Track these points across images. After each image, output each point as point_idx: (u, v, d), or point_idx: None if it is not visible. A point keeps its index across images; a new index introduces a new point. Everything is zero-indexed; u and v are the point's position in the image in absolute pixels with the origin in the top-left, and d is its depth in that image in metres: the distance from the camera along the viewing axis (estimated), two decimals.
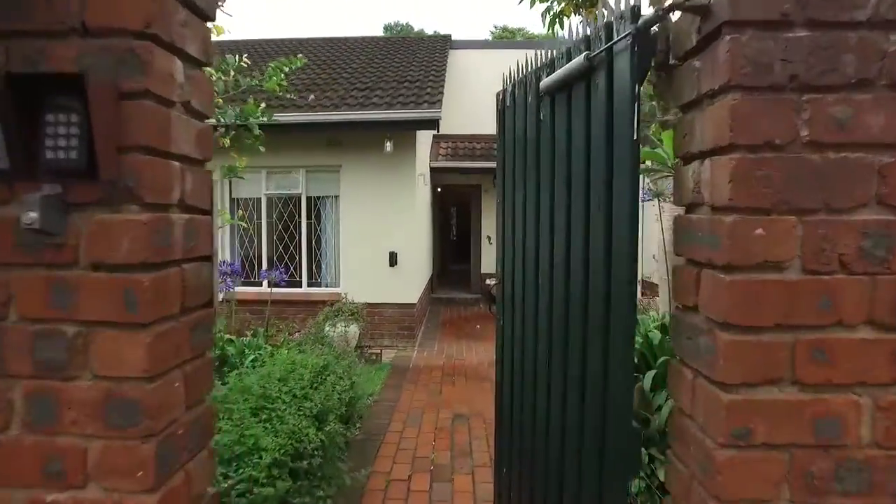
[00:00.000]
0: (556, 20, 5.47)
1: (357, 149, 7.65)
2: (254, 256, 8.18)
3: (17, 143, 0.96)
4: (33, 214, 0.93)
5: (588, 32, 1.47)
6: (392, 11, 62.63)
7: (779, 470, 0.96)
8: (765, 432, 0.96)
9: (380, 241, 7.67)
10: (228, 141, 3.32)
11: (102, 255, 0.99)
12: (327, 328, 6.50)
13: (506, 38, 26.04)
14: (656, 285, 5.60)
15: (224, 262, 5.05)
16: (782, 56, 0.95)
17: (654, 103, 3.52)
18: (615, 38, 1.28)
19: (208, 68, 3.29)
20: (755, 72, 0.96)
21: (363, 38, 12.02)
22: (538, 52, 1.80)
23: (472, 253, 12.75)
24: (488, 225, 12.17)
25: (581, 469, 1.56)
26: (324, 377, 3.39)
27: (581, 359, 1.54)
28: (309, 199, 7.97)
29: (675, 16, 1.17)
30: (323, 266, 8.10)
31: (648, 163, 2.83)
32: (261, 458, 2.18)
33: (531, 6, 5.74)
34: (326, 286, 8.00)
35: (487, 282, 10.61)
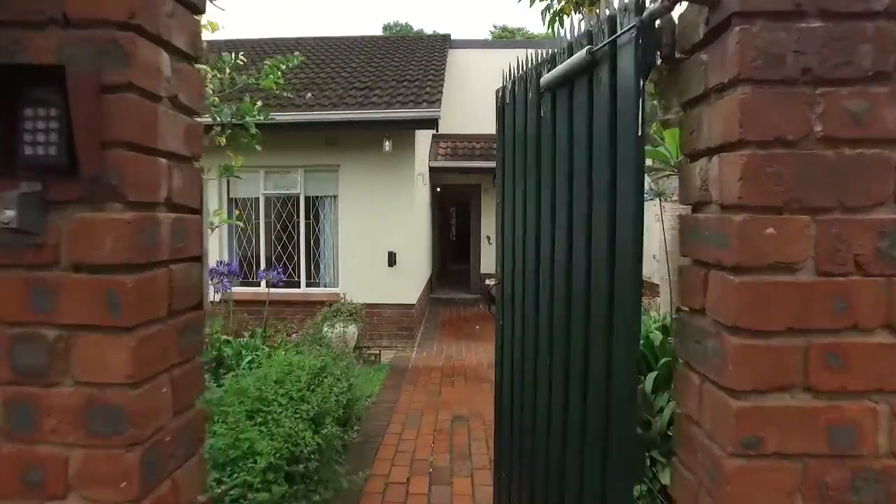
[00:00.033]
0: (556, 19, 5.43)
1: (356, 148, 7.62)
2: (252, 256, 8.14)
3: None
4: (10, 213, 0.89)
5: (590, 27, 1.43)
6: (391, 11, 62.58)
7: (791, 480, 0.92)
8: (776, 441, 0.91)
9: (379, 241, 7.63)
10: (224, 140, 3.28)
11: (84, 255, 0.95)
12: (326, 329, 6.45)
13: (505, 38, 26.00)
14: (657, 285, 5.56)
15: (221, 262, 5.01)
16: (795, 48, 0.91)
17: (654, 103, 3.48)
18: (619, 32, 1.24)
19: (203, 66, 3.25)
20: (766, 64, 0.92)
21: (362, 38, 11.98)
22: (539, 52, 1.76)
23: (471, 253, 12.71)
24: (488, 225, 12.13)
25: (583, 474, 1.52)
26: (321, 379, 3.35)
27: (583, 361, 1.50)
28: (307, 198, 7.93)
29: (682, 7, 1.12)
30: (321, 266, 8.06)
31: (650, 161, 2.79)
32: (255, 462, 2.14)
33: (531, 5, 5.70)
34: (325, 286, 7.96)
35: (487, 282, 10.57)
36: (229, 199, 8.04)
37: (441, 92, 7.83)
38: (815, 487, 0.92)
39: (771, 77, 0.92)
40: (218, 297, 5.74)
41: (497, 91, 2.16)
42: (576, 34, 1.50)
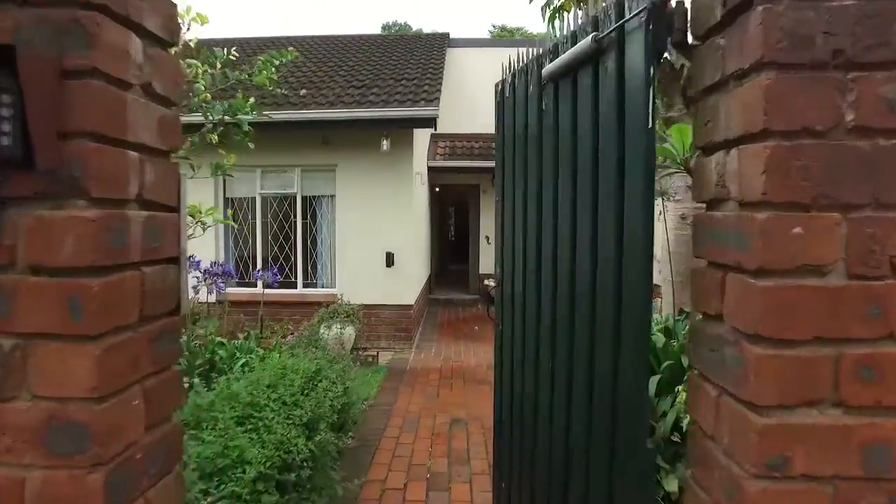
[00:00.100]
0: (556, 15, 5.35)
1: (353, 147, 7.53)
2: (249, 257, 8.04)
3: None
4: None
5: (595, 12, 1.34)
6: (390, 11, 62.51)
7: None
8: (804, 462, 0.83)
9: (376, 241, 7.55)
10: (216, 137, 3.19)
11: (43, 256, 0.87)
12: (323, 330, 6.37)
13: (504, 38, 25.90)
14: (658, 286, 5.48)
15: (215, 262, 4.93)
16: (825, 28, 0.83)
17: (657, 100, 3.40)
18: (627, 16, 1.16)
19: (193, 61, 3.16)
20: (792, 46, 0.83)
21: (360, 36, 11.90)
22: (540, 48, 1.68)
23: (470, 253, 12.63)
24: (487, 225, 12.04)
25: (588, 490, 1.44)
26: (315, 383, 3.26)
27: (587, 370, 1.41)
28: (304, 198, 7.84)
29: None
30: (319, 266, 7.97)
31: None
32: (244, 471, 2.05)
33: (530, 1, 5.62)
34: (322, 287, 7.87)
35: (486, 282, 10.48)
36: (225, 199, 7.94)
37: (439, 90, 7.75)
38: None
39: (798, 61, 0.83)
40: (213, 298, 5.66)
41: (496, 84, 2.08)
42: (579, 21, 1.41)
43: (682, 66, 3.95)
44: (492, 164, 9.11)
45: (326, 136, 7.51)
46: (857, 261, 0.83)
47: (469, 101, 11.61)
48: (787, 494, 0.84)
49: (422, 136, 9.40)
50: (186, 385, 3.50)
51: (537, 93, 1.68)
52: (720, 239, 0.98)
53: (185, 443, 2.24)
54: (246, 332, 5.33)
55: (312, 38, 11.57)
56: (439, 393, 5.67)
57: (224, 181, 7.66)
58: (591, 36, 1.25)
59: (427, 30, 28.69)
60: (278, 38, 11.31)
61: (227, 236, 8.01)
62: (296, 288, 7.82)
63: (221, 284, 4.69)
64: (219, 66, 3.07)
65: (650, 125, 1.10)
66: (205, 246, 7.01)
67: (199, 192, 6.51)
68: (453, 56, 12.05)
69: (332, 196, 7.77)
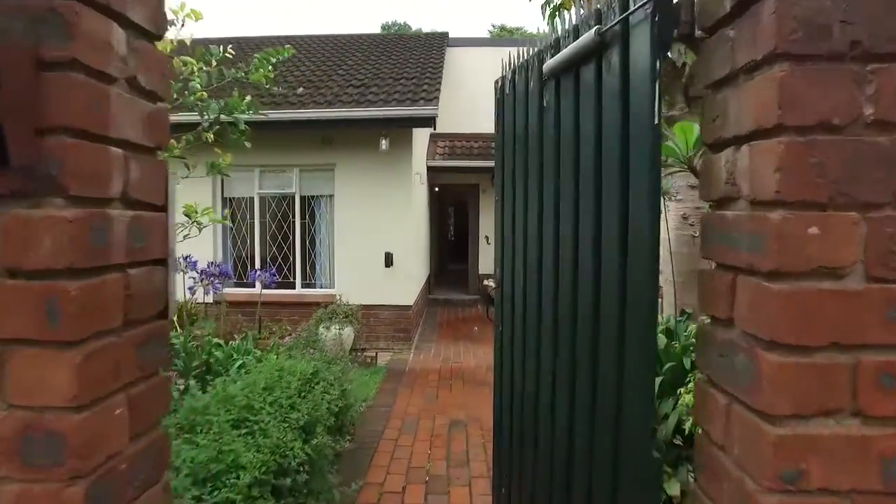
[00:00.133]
0: (556, 13, 5.31)
1: (352, 147, 7.49)
2: (247, 257, 8.00)
3: None
4: None
5: (598, 5, 1.30)
6: (390, 11, 62.46)
7: None
8: (820, 475, 0.79)
9: (375, 241, 7.51)
10: (212, 136, 3.14)
11: (18, 258, 0.82)
12: (321, 330, 6.32)
13: (504, 38, 25.86)
14: (660, 287, 5.44)
15: (212, 262, 4.88)
16: (842, 17, 0.79)
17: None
18: (632, 8, 1.11)
19: (189, 58, 3.11)
20: (808, 37, 0.79)
21: (359, 36, 11.85)
22: (541, 30, 1.63)
23: (469, 253, 12.59)
24: (486, 225, 11.99)
25: (591, 497, 1.39)
26: (313, 385, 3.22)
27: (590, 375, 1.37)
28: (303, 198, 7.80)
29: None
30: (317, 267, 7.93)
31: None
32: (239, 477, 2.01)
33: (529, 0, 5.58)
34: (321, 287, 7.83)
35: (485, 283, 10.44)
36: (223, 199, 7.90)
37: (439, 89, 7.71)
38: None
39: (813, 52, 0.79)
40: (211, 299, 5.62)
41: (496, 81, 2.04)
42: (581, 14, 1.37)
43: (684, 64, 3.91)
44: (491, 163, 9.07)
45: (325, 135, 7.47)
46: (876, 262, 0.79)
47: (468, 100, 11.57)
48: None
49: (421, 136, 9.36)
50: (182, 387, 3.46)
51: (538, 89, 1.63)
52: (730, 240, 0.94)
53: (179, 447, 2.20)
54: (243, 333, 5.29)
55: (311, 37, 11.53)
56: (438, 394, 5.63)
57: (222, 181, 7.62)
58: (594, 29, 1.21)
59: (426, 30, 28.65)
60: (276, 38, 11.26)
61: (225, 236, 7.97)
62: (294, 288, 7.79)
63: (218, 285, 4.64)
64: (214, 63, 3.02)
65: (656, 121, 1.06)
66: (203, 246, 6.97)
67: (197, 192, 6.45)
68: (453, 55, 12.01)
69: (331, 196, 7.73)
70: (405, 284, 7.70)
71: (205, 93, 3.13)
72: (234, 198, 7.94)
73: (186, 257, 4.51)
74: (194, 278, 4.53)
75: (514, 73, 1.86)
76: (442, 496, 3.40)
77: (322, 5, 73.17)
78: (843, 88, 0.79)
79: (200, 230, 3.38)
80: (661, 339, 3.19)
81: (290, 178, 7.76)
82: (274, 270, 6.04)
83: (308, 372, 3.31)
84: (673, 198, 4.06)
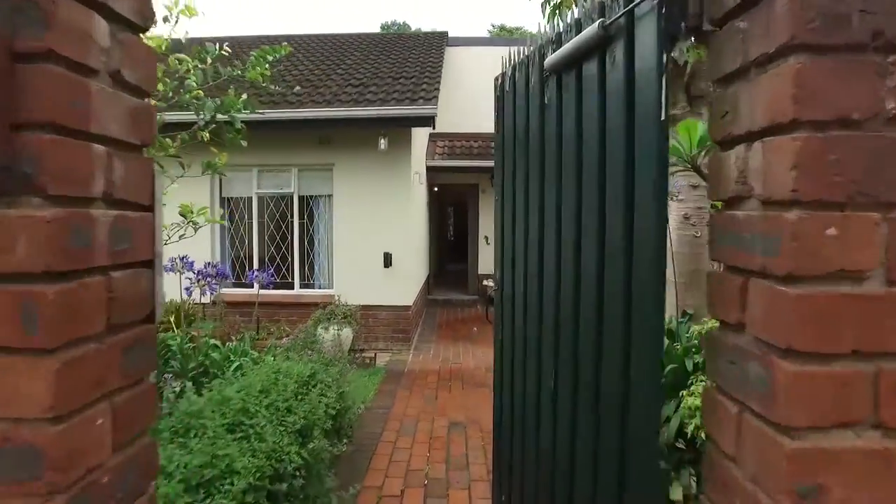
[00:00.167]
0: (556, 12, 5.27)
1: (351, 147, 7.44)
2: (245, 257, 7.96)
3: None
4: None
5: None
6: (389, 11, 62.42)
7: None
8: (839, 490, 0.75)
9: (374, 241, 7.46)
10: (207, 135, 3.10)
11: None
12: (320, 331, 6.28)
13: (504, 37, 25.81)
14: None
15: (209, 263, 4.83)
16: (862, 6, 0.75)
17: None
18: (637, 0, 1.07)
19: (183, 56, 3.07)
20: (826, 27, 0.75)
21: (358, 35, 11.81)
22: (541, 28, 1.59)
23: (469, 253, 12.55)
24: (486, 225, 11.95)
25: None
26: (310, 387, 3.18)
27: (593, 381, 1.33)
28: (301, 198, 7.75)
29: None
30: (316, 267, 7.88)
31: None
32: (233, 483, 1.97)
33: None
34: (319, 288, 7.78)
35: (485, 283, 10.39)
36: (221, 199, 7.86)
37: (438, 89, 7.67)
38: None
39: (832, 42, 0.75)
40: (209, 300, 5.57)
41: (496, 78, 1.99)
42: (585, 5, 1.33)
43: (686, 62, 3.86)
44: (491, 163, 9.02)
45: (324, 135, 7.42)
46: None
47: (468, 100, 11.52)
48: None
49: (420, 136, 9.31)
50: (178, 388, 3.41)
51: (539, 85, 1.59)
52: (741, 241, 0.89)
53: (172, 451, 2.15)
54: (241, 333, 5.24)
55: (309, 36, 11.48)
56: (437, 395, 5.58)
57: (220, 181, 7.58)
58: (597, 22, 1.17)
59: (426, 29, 28.58)
60: (274, 37, 11.20)
61: (223, 236, 7.92)
62: (293, 289, 7.74)
63: (215, 285, 4.60)
64: (209, 61, 2.97)
65: (663, 117, 1.01)
66: (201, 246, 6.92)
67: (195, 192, 6.40)
68: (452, 55, 11.96)
69: (330, 196, 7.68)
70: (404, 285, 7.66)
71: (201, 91, 3.09)
72: (232, 198, 7.89)
73: (183, 258, 4.47)
74: (191, 279, 4.48)
75: (514, 69, 1.82)
76: (441, 500, 3.36)
77: (321, 6, 73.12)
78: (864, 81, 0.75)
79: (196, 230, 3.34)
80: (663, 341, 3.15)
81: (288, 177, 7.72)
82: (272, 271, 6.00)
83: (305, 374, 3.27)
84: (674, 198, 4.02)
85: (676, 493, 2.46)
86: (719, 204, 1.00)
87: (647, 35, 1.07)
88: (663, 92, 1.03)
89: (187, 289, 4.47)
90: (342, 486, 3.23)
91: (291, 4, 76.65)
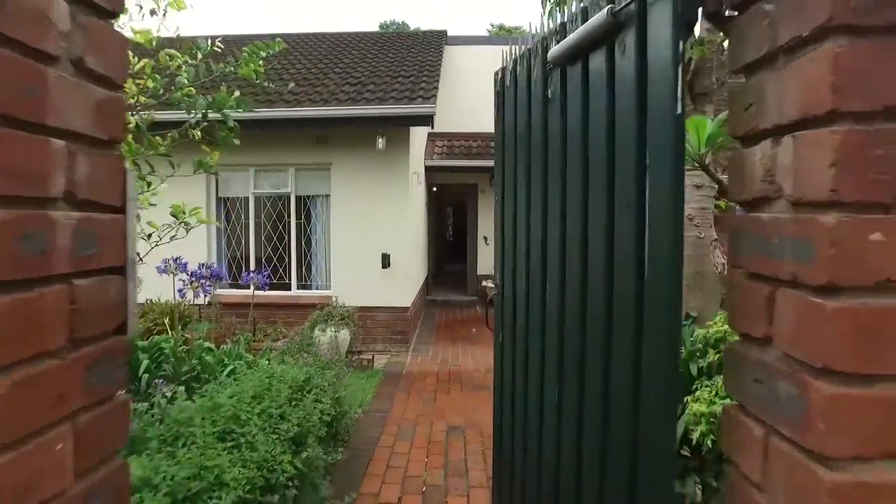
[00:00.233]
0: (557, 8, 5.19)
1: (348, 146, 7.36)
2: (242, 258, 7.87)
3: None
4: None
5: None
6: (388, 10, 62.32)
7: None
8: None
9: (372, 241, 7.37)
10: (199, 133, 3.01)
11: None
12: (317, 333, 6.19)
13: (503, 36, 25.72)
14: None
15: (203, 264, 4.75)
16: None
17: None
18: None
19: (174, 52, 2.97)
20: (869, 6, 0.67)
21: (356, 34, 11.72)
22: (544, 19, 1.50)
23: (468, 253, 12.46)
24: (485, 225, 11.87)
25: None
26: (305, 392, 3.09)
27: (602, 391, 1.24)
28: (298, 198, 7.67)
29: None
30: (313, 268, 7.79)
31: None
32: (220, 498, 1.88)
33: None
34: (317, 289, 7.69)
35: (484, 283, 10.31)
36: (218, 199, 7.77)
37: (437, 87, 7.58)
38: None
39: (876, 23, 0.67)
40: (206, 301, 5.48)
41: (496, 73, 1.91)
42: None
43: (689, 59, 3.78)
44: (490, 163, 8.90)
45: (321, 134, 7.33)
46: None
47: (467, 99, 11.44)
48: None
49: (419, 135, 9.23)
50: (170, 394, 3.33)
51: (542, 79, 1.51)
52: (768, 246, 0.81)
53: (159, 462, 2.06)
54: (236, 336, 5.15)
55: (306, 35, 11.39)
56: (436, 398, 5.50)
57: (216, 181, 7.49)
58: (606, 9, 1.09)
59: (425, 28, 28.50)
60: (271, 35, 11.12)
61: (219, 237, 7.84)
62: (290, 289, 7.65)
63: (209, 287, 4.51)
64: (200, 56, 2.88)
65: (679, 111, 0.93)
66: (196, 247, 6.84)
67: (191, 192, 6.33)
68: (451, 54, 11.88)
69: (327, 196, 7.59)
70: (403, 285, 7.57)
71: (192, 88, 3.00)
72: (228, 198, 7.81)
73: (177, 259, 4.38)
74: (184, 280, 4.39)
75: (515, 63, 1.74)
76: None
77: (320, 6, 73.01)
78: None
79: (188, 231, 3.25)
80: None
81: (285, 177, 7.63)
82: (268, 272, 5.91)
83: (300, 379, 3.18)
84: None
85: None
86: (723, 204, 0.93)
87: (660, 22, 0.98)
88: (679, 84, 0.95)
89: (180, 290, 4.38)
90: (338, 493, 3.15)
91: (290, 4, 76.54)
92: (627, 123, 1.09)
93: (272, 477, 2.23)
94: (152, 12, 2.70)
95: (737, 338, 0.93)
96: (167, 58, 2.94)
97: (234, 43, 5.21)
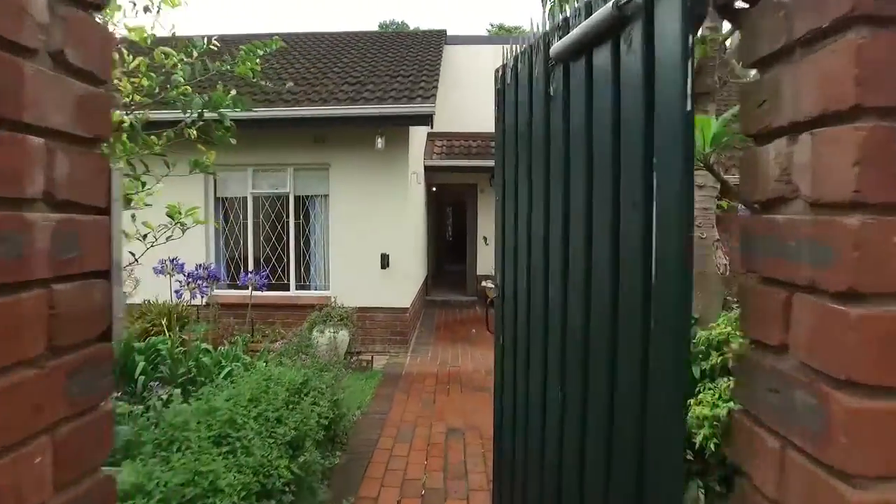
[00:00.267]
0: (558, 7, 5.15)
1: (347, 146, 7.31)
2: (240, 258, 7.82)
3: None
4: None
5: None
6: (388, 10, 62.30)
7: None
8: None
9: (371, 242, 7.33)
10: (195, 132, 2.97)
11: None
12: (315, 334, 6.15)
13: (503, 36, 25.69)
14: None
15: (200, 265, 4.71)
16: None
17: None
18: None
19: (169, 50, 2.93)
20: None
21: (355, 33, 11.67)
22: (545, 15, 1.46)
23: (468, 254, 12.43)
24: (485, 225, 11.83)
25: None
26: (303, 395, 3.05)
27: (607, 393, 1.20)
28: (297, 198, 7.62)
29: None
30: (312, 268, 7.75)
31: None
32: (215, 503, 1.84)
33: None
34: (315, 289, 7.65)
35: (483, 284, 10.26)
36: (216, 199, 7.73)
37: (436, 87, 7.53)
38: None
39: None
40: (203, 301, 5.44)
41: (496, 70, 1.87)
42: None
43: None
44: (490, 163, 8.87)
45: (320, 134, 7.29)
46: None
47: (467, 99, 11.40)
48: None
49: (418, 135, 9.19)
50: (165, 396, 3.28)
51: (544, 76, 1.47)
52: (784, 250, 0.77)
53: (153, 467, 2.02)
54: (233, 337, 5.11)
55: (305, 34, 11.34)
56: (435, 399, 5.46)
57: (214, 181, 7.45)
58: (611, 2, 1.04)
59: (424, 28, 28.46)
60: (269, 35, 11.07)
61: (217, 237, 7.79)
62: (288, 290, 7.61)
63: (206, 288, 4.47)
64: (195, 54, 2.84)
65: (689, 108, 0.89)
66: (194, 248, 6.80)
67: (188, 192, 6.28)
68: (450, 54, 11.84)
69: (326, 196, 7.55)
70: (402, 286, 7.53)
71: (188, 87, 2.96)
72: (227, 198, 7.76)
73: (173, 259, 4.34)
74: (181, 281, 4.35)
75: (515, 60, 1.69)
76: None
77: (319, 6, 72.98)
78: None
79: (184, 231, 3.21)
80: None
81: (283, 177, 7.59)
82: (266, 273, 5.88)
83: (298, 381, 3.14)
84: None
85: None
86: (726, 203, 0.89)
87: (669, 15, 0.94)
88: (689, 79, 0.91)
89: (177, 291, 4.34)
90: (335, 497, 3.11)
91: (289, 4, 76.52)
92: (634, 120, 1.06)
93: (268, 482, 2.19)
94: (146, 9, 2.66)
95: (746, 343, 0.89)
96: (162, 56, 2.90)
97: (231, 42, 5.17)
